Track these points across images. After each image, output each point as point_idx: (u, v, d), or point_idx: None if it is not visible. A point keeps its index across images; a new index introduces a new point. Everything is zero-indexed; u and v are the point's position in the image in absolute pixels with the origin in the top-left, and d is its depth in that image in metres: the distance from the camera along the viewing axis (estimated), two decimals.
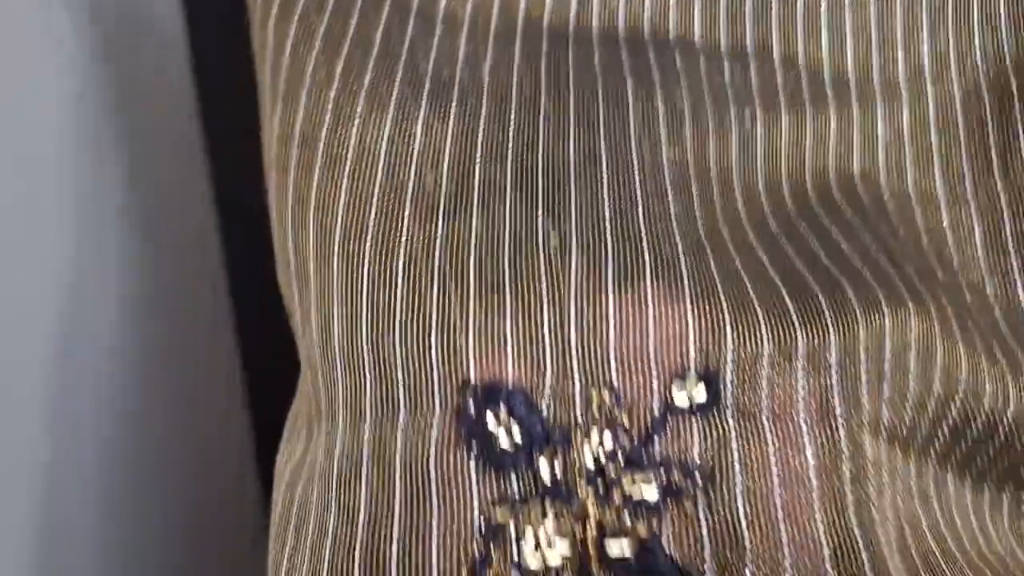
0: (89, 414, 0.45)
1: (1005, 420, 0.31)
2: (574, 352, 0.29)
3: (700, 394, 0.29)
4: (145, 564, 0.47)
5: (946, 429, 0.31)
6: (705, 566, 0.27)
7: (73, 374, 0.43)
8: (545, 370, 0.29)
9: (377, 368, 0.30)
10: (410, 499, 0.28)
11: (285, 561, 0.29)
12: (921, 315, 0.31)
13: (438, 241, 0.31)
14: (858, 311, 0.30)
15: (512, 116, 0.33)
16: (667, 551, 0.28)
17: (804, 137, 0.33)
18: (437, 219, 0.31)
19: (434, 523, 0.28)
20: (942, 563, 0.29)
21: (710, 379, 0.29)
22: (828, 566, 0.27)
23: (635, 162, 0.32)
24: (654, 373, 0.29)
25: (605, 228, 0.31)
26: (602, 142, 0.33)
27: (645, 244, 0.31)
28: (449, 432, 0.29)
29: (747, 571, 0.27)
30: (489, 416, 0.29)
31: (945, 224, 0.32)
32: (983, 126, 0.33)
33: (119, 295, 0.47)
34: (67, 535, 0.43)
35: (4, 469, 0.40)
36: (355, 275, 0.31)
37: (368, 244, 0.31)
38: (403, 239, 0.31)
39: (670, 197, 0.32)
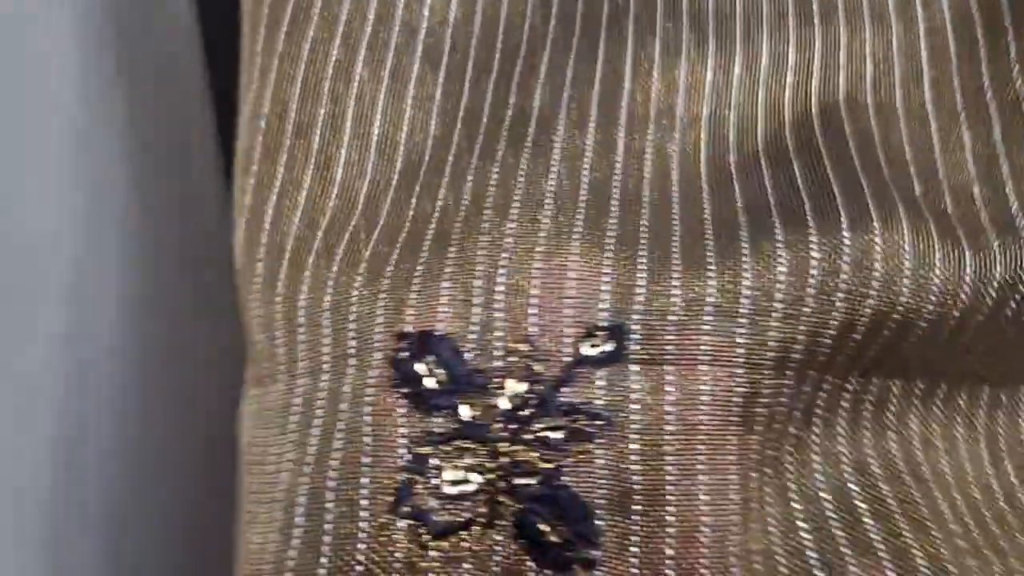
0: (90, 414, 0.45)
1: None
2: (499, 308, 0.32)
3: (607, 347, 0.32)
4: (145, 564, 0.48)
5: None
6: (600, 499, 0.31)
7: (73, 374, 0.44)
8: (473, 323, 0.33)
9: (334, 324, 0.34)
10: (349, 437, 0.32)
11: (247, 503, 0.35)
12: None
13: (413, 201, 0.35)
14: (784, 253, 0.33)
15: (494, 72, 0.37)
16: (567, 484, 0.32)
17: (786, 62, 0.37)
18: (416, 184, 0.36)
19: (366, 459, 0.32)
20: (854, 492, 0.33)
21: (617, 333, 0.32)
22: None
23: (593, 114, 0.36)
24: (569, 329, 0.32)
25: (547, 191, 0.34)
26: (566, 92, 0.37)
27: (582, 206, 0.34)
28: (385, 377, 0.32)
29: (634, 506, 0.32)
30: (419, 363, 0.32)
31: (933, 131, 0.34)
32: (973, 49, 0.36)
33: (119, 295, 0.47)
34: (67, 535, 0.43)
35: (3, 469, 0.40)
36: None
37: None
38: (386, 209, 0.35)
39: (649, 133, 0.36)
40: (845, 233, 0.32)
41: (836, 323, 0.32)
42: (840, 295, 0.32)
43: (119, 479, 0.46)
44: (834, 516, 0.33)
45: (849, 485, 0.33)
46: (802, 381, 0.33)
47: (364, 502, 0.32)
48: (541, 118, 0.36)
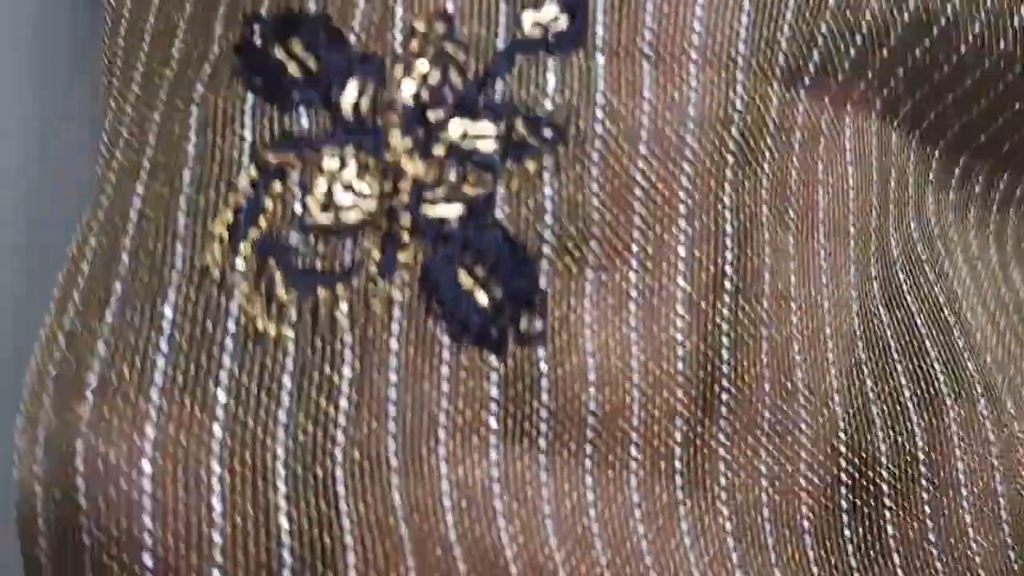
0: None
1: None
2: None
3: (560, 23, 0.22)
4: None
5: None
6: (543, 238, 0.22)
7: None
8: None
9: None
10: (164, 147, 0.22)
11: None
12: None
13: None
14: None
15: None
16: (497, 217, 0.22)
17: None
18: None
19: (187, 174, 0.22)
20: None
21: (574, 5, 0.22)
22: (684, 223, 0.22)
23: None
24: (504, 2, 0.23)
25: None
26: None
27: None
28: (224, 70, 0.22)
29: (592, 248, 0.22)
30: (277, 47, 0.22)
31: None
32: None
33: None
34: None
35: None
36: None
37: None
38: None
39: None
40: None
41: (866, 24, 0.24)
42: None
43: None
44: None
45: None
46: (824, 109, 0.24)
47: (181, 231, 0.21)
48: None
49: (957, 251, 0.27)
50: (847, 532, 0.24)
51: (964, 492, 0.24)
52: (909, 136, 0.26)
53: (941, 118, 0.26)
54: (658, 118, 0.22)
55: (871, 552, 0.24)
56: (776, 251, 0.23)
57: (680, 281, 0.22)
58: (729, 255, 0.23)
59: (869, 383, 0.24)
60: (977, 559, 0.24)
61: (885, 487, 0.24)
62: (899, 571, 0.24)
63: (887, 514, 0.24)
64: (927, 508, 0.24)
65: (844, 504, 0.24)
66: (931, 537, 0.24)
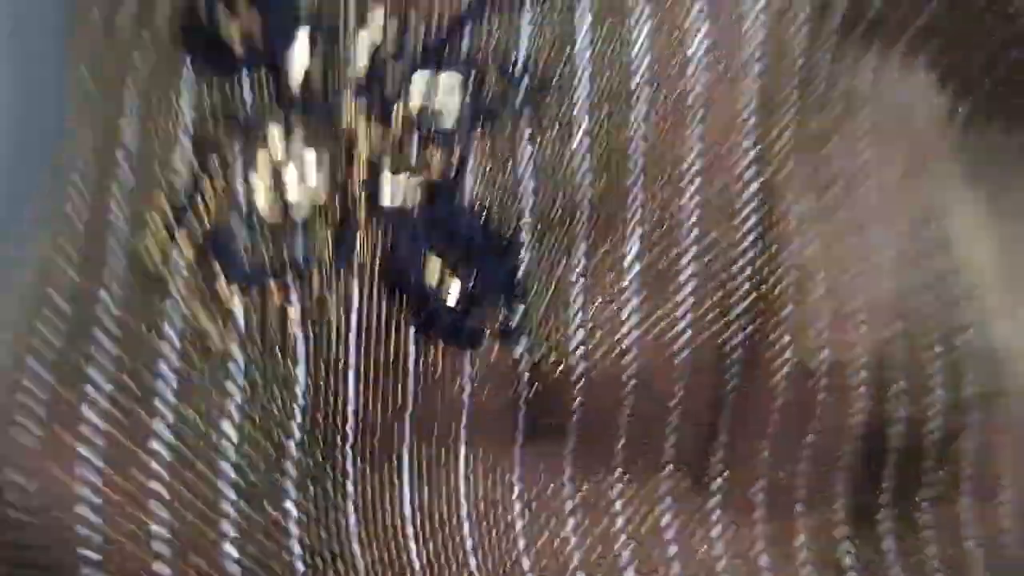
0: None
1: None
2: None
3: None
4: None
5: None
6: (520, 216, 0.19)
7: None
8: None
9: None
10: (108, 120, 0.20)
11: None
12: None
13: None
14: None
15: None
16: (469, 196, 0.19)
17: None
18: None
19: (120, 152, 0.19)
20: None
21: None
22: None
23: None
24: None
25: None
26: None
27: None
28: (163, 37, 0.19)
29: (580, 219, 0.19)
30: (218, 7, 0.19)
31: None
32: None
33: None
34: None
35: None
36: None
37: None
38: None
39: None
40: None
41: None
42: None
43: None
44: None
45: None
46: None
47: (118, 211, 0.19)
48: None
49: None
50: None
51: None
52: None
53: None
54: (658, 59, 0.19)
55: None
56: (803, 219, 0.20)
57: (688, 257, 0.19)
58: (752, 220, 0.19)
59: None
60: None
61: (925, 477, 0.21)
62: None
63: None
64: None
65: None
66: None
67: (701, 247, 0.19)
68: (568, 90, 0.19)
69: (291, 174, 0.19)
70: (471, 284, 0.19)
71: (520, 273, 0.19)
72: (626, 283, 0.19)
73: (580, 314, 0.19)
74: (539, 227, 0.19)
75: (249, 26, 0.19)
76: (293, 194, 0.19)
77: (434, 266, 0.19)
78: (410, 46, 0.19)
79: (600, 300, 0.19)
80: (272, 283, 0.18)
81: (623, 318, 0.19)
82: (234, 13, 0.19)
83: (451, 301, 0.19)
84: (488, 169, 0.19)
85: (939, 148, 0.22)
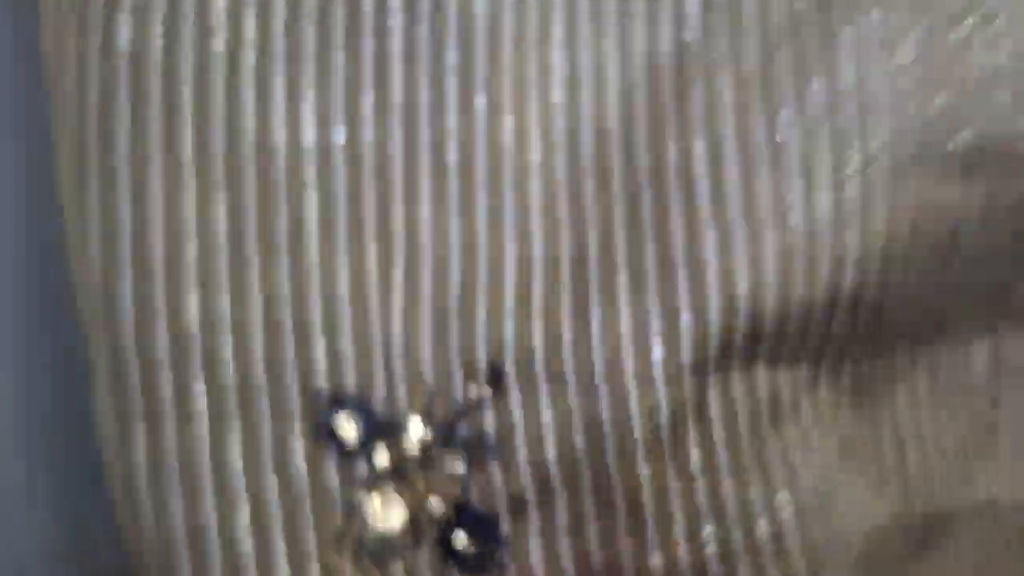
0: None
1: None
2: (398, 363, 0.35)
3: (487, 388, 0.36)
4: None
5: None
6: (502, 513, 0.35)
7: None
8: (376, 379, 0.36)
9: (240, 377, 0.36)
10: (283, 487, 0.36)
11: None
12: None
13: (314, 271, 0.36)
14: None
15: None
16: (475, 505, 0.35)
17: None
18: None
19: (307, 505, 0.36)
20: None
21: (496, 373, 0.36)
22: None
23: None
24: (456, 372, 0.36)
25: (422, 242, 0.36)
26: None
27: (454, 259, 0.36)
28: (310, 435, 0.36)
29: (531, 514, 0.36)
30: (337, 419, 0.36)
31: None
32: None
33: None
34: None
35: None
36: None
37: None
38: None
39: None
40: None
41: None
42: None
43: None
44: None
45: None
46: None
47: (312, 540, 0.35)
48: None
49: None
50: None
51: None
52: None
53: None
54: (555, 425, 0.36)
55: None
56: None
57: None
58: None
59: None
60: None
61: None
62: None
63: None
64: None
65: None
66: None
67: None
68: (512, 449, 0.36)
69: (387, 508, 0.35)
70: (482, 545, 0.36)
71: (504, 537, 0.35)
72: None
73: (537, 550, 0.36)
74: (509, 512, 0.36)
75: (358, 435, 0.36)
76: (390, 520, 0.35)
77: (463, 539, 0.36)
78: (434, 438, 0.36)
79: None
80: (389, 557, 0.36)
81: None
82: (350, 430, 0.36)
83: (472, 555, 0.35)
84: (481, 491, 0.36)
85: None
